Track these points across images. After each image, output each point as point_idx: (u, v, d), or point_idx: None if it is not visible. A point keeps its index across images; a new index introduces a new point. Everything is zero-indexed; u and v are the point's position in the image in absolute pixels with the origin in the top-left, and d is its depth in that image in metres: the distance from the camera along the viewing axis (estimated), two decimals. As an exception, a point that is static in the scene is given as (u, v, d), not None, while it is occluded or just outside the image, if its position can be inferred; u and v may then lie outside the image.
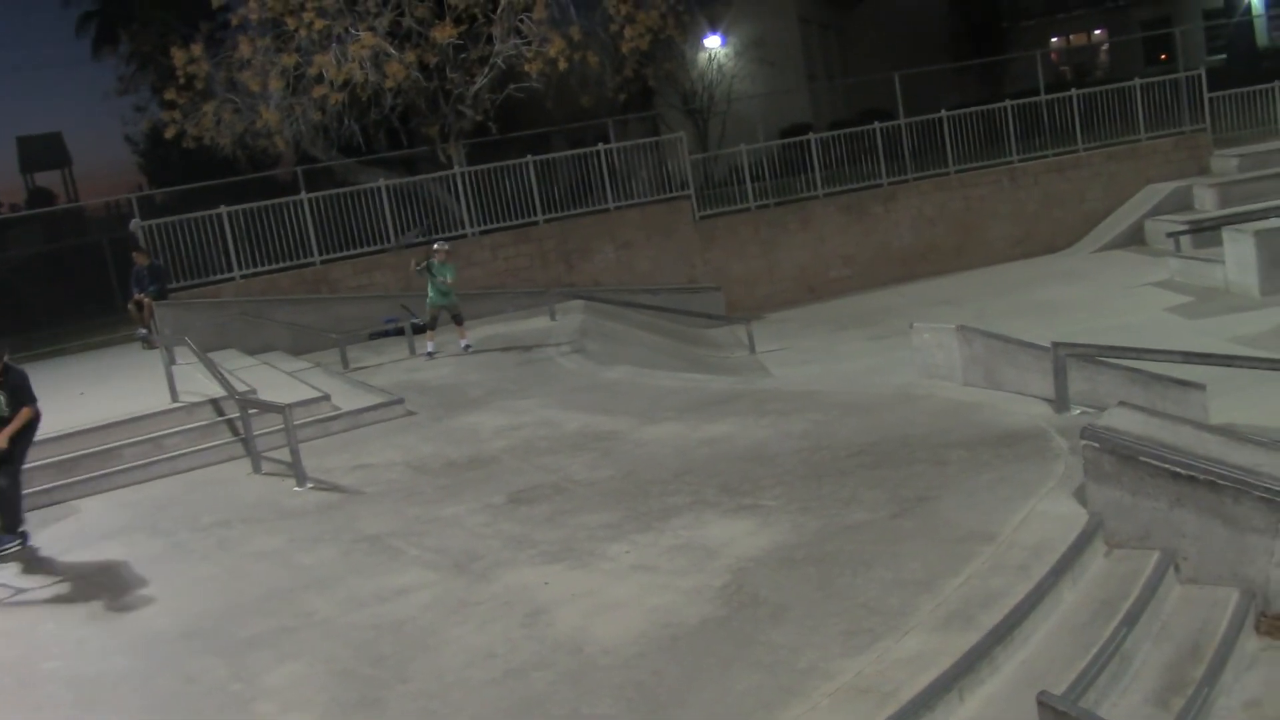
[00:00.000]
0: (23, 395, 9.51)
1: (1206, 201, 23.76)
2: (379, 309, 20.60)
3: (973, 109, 26.39)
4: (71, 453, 11.73)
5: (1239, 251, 18.01)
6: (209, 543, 9.32)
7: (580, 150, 24.16)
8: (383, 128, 25.37)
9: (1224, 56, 36.48)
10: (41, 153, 42.58)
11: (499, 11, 22.94)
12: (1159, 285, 19.80)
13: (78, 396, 14.10)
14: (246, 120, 23.34)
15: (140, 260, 18.77)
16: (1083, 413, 9.16)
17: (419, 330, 18.17)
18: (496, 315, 20.55)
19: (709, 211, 24.80)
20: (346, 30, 22.29)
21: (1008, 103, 26.41)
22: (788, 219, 25.09)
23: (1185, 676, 5.55)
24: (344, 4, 22.28)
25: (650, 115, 31.11)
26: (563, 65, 23.03)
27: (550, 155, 23.86)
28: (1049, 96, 26.89)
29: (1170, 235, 21.78)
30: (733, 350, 19.55)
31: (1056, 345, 9.48)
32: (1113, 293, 19.76)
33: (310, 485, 10.63)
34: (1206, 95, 26.50)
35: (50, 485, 11.35)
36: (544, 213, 23.00)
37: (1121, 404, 7.66)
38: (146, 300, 18.36)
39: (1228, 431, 7.21)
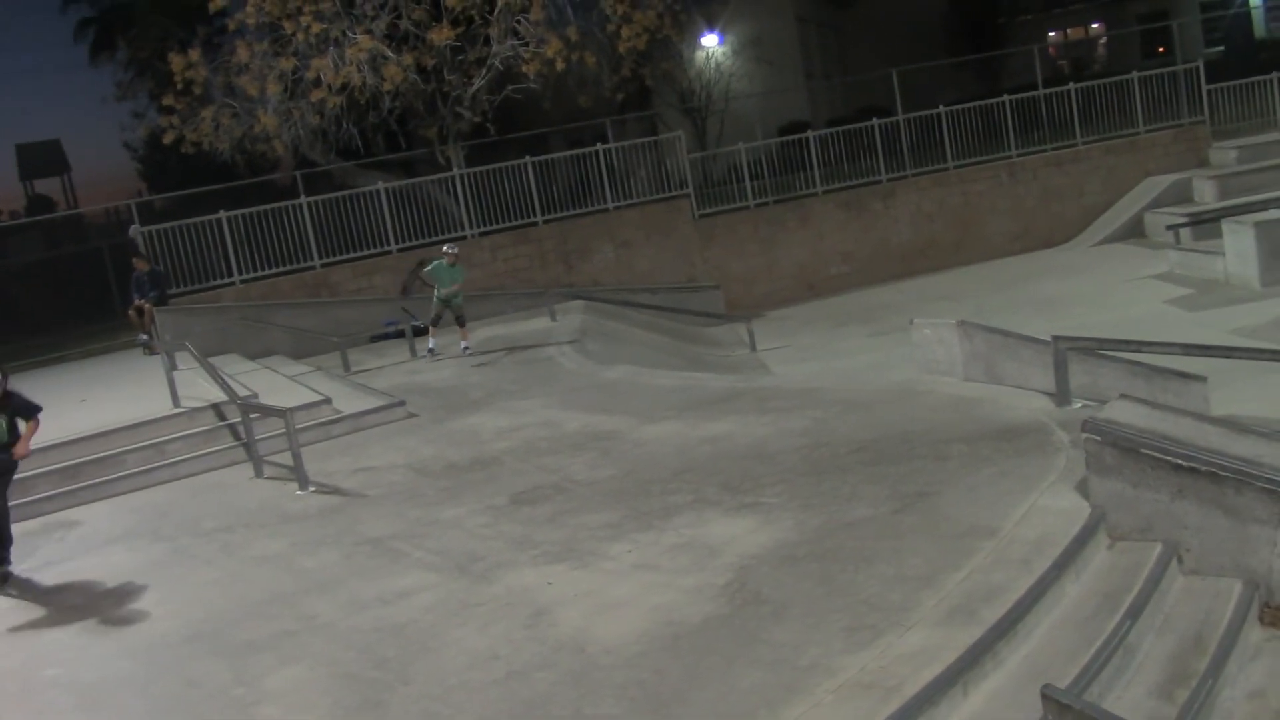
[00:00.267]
0: (26, 413, 9.28)
1: (1206, 194, 23.74)
2: (379, 312, 20.60)
3: (971, 104, 26.37)
4: (73, 459, 11.73)
5: (1239, 243, 17.99)
6: (211, 547, 9.32)
7: (579, 150, 24.15)
8: (381, 130, 25.35)
9: (1221, 48, 36.40)
10: (40, 160, 42.57)
11: (496, 13, 22.93)
12: (1159, 278, 19.79)
13: (79, 403, 14.10)
14: (245, 125, 23.34)
15: (140, 266, 18.76)
16: (1084, 406, 9.15)
17: (420, 332, 18.17)
18: (496, 316, 20.55)
19: (708, 210, 24.79)
20: (344, 33, 22.29)
21: (1006, 98, 26.37)
22: (787, 217, 25.08)
23: (1189, 668, 5.54)
24: (341, 7, 22.28)
25: (648, 115, 31.09)
26: (560, 66, 23.02)
27: (549, 156, 23.85)
28: (1047, 91, 26.86)
29: (1170, 228, 21.78)
30: (733, 348, 19.54)
31: (1057, 339, 9.48)
32: (1113, 286, 19.74)
33: (312, 489, 10.63)
34: (1205, 87, 26.46)
35: (52, 492, 11.35)
36: (543, 213, 22.99)
37: (1122, 397, 7.65)
38: (147, 306, 18.35)
39: (1229, 423, 7.20)
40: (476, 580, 7.53)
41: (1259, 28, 39.88)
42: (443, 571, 7.81)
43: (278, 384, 14.76)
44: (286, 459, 10.99)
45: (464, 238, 21.99)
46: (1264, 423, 8.66)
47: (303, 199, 21.59)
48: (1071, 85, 26.86)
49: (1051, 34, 45.72)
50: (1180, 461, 6.33)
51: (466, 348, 17.22)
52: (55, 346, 21.22)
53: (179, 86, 22.89)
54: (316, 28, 22.05)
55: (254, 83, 22.68)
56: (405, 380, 15.79)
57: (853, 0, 43.33)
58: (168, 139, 23.83)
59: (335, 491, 10.53)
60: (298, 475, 10.72)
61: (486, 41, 23.22)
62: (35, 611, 8.37)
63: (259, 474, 11.53)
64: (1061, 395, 9.43)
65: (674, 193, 24.43)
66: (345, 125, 23.30)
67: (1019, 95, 26.65)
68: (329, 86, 22.24)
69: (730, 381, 13.81)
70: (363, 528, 9.20)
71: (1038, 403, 9.61)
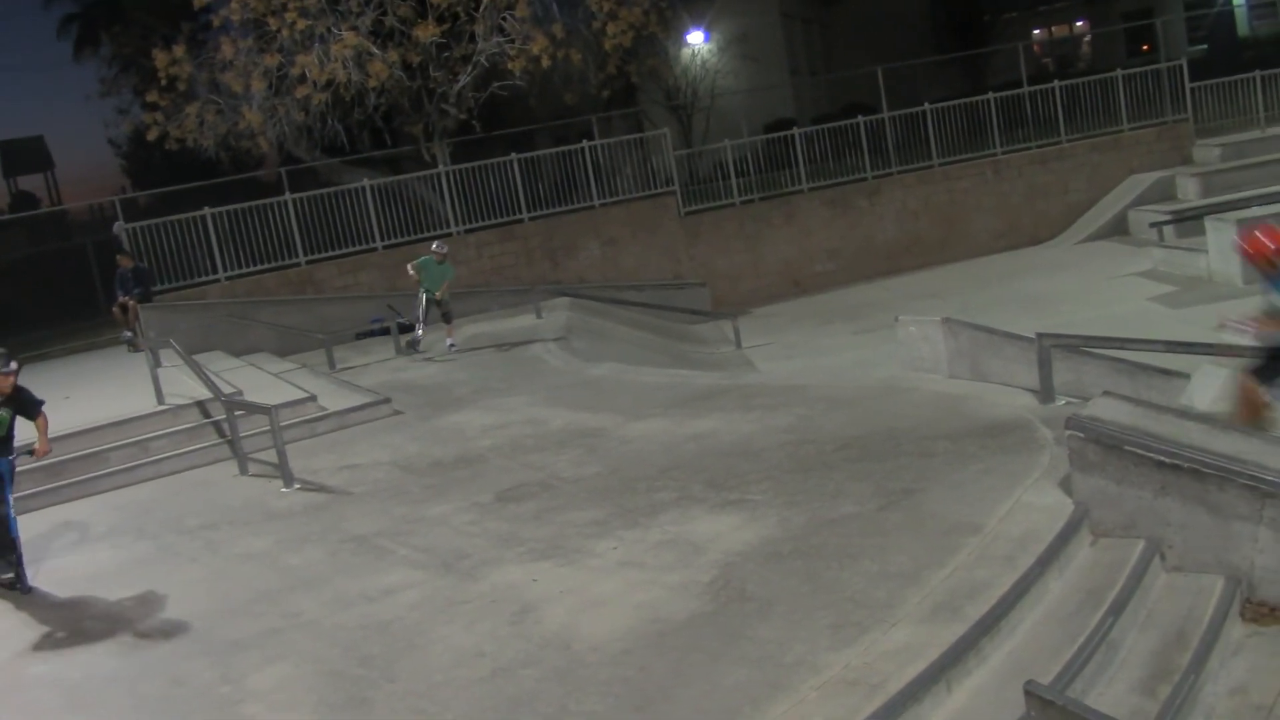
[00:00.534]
0: (31, 410, 8.96)
1: (1189, 191, 23.85)
2: (365, 309, 20.54)
3: (956, 102, 26.43)
4: (58, 457, 11.65)
5: (1222, 241, 18.08)
6: (196, 545, 9.30)
7: (564, 148, 24.12)
8: (366, 127, 25.30)
9: (1205, 47, 36.55)
10: (24, 156, 42.34)
11: (481, 10, 22.89)
12: (1143, 275, 19.87)
13: (63, 400, 14.02)
14: (229, 121, 23.25)
15: (124, 263, 18.69)
16: (1068, 403, 9.18)
17: (405, 330, 18.14)
18: (482, 313, 20.51)
19: (694, 207, 24.79)
20: (329, 30, 22.22)
21: (991, 95, 26.43)
22: (772, 214, 25.10)
23: (1171, 664, 5.57)
24: (326, 4, 22.20)
25: (634, 112, 31.07)
26: (546, 63, 22.99)
27: (534, 153, 23.83)
28: (1032, 88, 26.93)
29: (1153, 225, 21.89)
30: (718, 345, 19.57)
31: (1041, 336, 9.51)
32: (1097, 283, 19.82)
33: (297, 486, 10.60)
34: (1188, 85, 26.56)
35: (37, 489, 11.28)
36: (529, 210, 22.97)
37: (1106, 394, 7.68)
38: (131, 303, 18.29)
39: (1211, 420, 7.25)
40: (462, 577, 7.53)
41: (1242, 26, 40.07)
42: (428, 569, 7.81)
43: (262, 381, 14.73)
44: (271, 456, 10.97)
45: (449, 234, 21.94)
46: (1246, 420, 8.71)
47: (288, 196, 21.52)
48: (1056, 83, 26.94)
49: (1036, 32, 45.82)
50: (1163, 458, 6.37)
51: (452, 344, 17.20)
52: (39, 343, 21.12)
53: (163, 83, 22.79)
54: (301, 24, 21.97)
55: (239, 79, 22.60)
56: (391, 378, 15.76)
57: (838, -3, 43.38)
58: (152, 135, 23.72)
59: (320, 489, 10.51)
60: (282, 472, 10.70)
61: (472, 38, 23.18)
62: (21, 609, 8.33)
63: (243, 471, 11.50)
64: (1045, 392, 9.47)
65: (660, 190, 24.42)
66: (330, 122, 23.24)
67: (1004, 93, 26.72)
68: (314, 83, 22.16)
69: (716, 378, 13.83)
70: (348, 525, 9.19)
71: (1022, 400, 9.65)
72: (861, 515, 7.49)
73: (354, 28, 22.08)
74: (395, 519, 9.17)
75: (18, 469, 8.98)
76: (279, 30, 22.13)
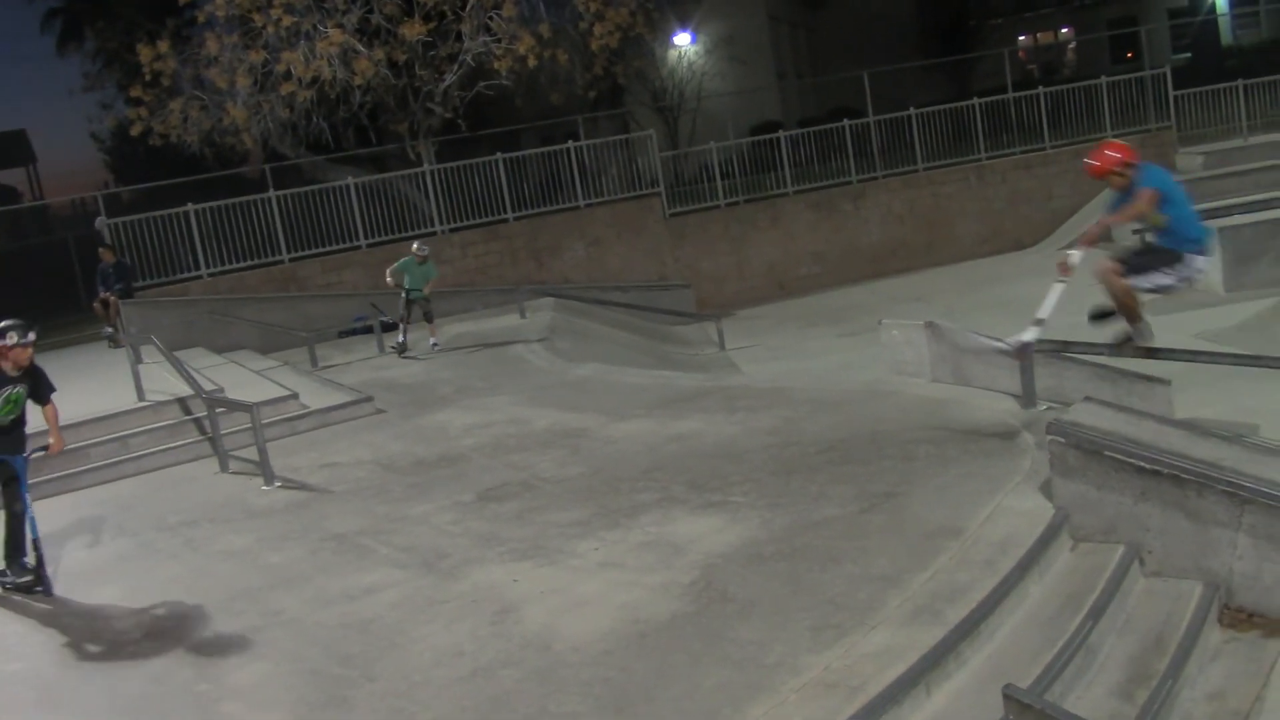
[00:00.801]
0: (44, 393, 8.53)
1: (1172, 199, 23.89)
2: (348, 307, 20.51)
3: (941, 107, 26.55)
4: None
5: (1204, 248, 18.13)
6: (176, 542, 9.25)
7: (550, 148, 24.14)
8: (351, 125, 25.26)
9: (1189, 55, 36.74)
10: (5, 150, 42.06)
11: (468, 9, 22.87)
12: (1125, 281, 19.90)
13: (42, 396, 13.95)
14: (214, 117, 23.18)
15: (106, 258, 18.59)
16: (1049, 408, 9.22)
17: (389, 328, 18.10)
18: (466, 313, 20.48)
19: (679, 209, 24.82)
20: (315, 27, 22.17)
21: (976, 101, 26.57)
22: (757, 216, 25.16)
23: (1150, 669, 5.60)
24: (312, 1, 22.15)
25: (620, 113, 31.09)
26: (532, 62, 22.99)
27: (520, 153, 23.85)
28: (1016, 94, 27.05)
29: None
30: (702, 347, 19.58)
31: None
32: (1079, 289, 19.79)
33: (278, 484, 10.57)
34: (1172, 93, 26.71)
35: (15, 485, 11.22)
36: (514, 210, 22.96)
37: (1087, 399, 7.72)
38: (113, 298, 18.19)
39: (1191, 426, 7.28)
40: (443, 577, 7.51)
41: (1226, 35, 40.27)
42: (409, 568, 7.79)
43: (244, 378, 14.68)
44: (252, 454, 10.92)
45: (434, 234, 21.93)
46: (1226, 426, 8.78)
47: (271, 193, 21.46)
48: (1041, 89, 27.07)
49: (1022, 38, 46.05)
50: (1143, 464, 6.39)
51: (435, 344, 17.16)
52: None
53: (147, 78, 22.72)
54: (287, 20, 21.93)
55: (223, 75, 22.54)
56: (373, 376, 15.73)
57: (825, 1, 43.49)
58: (135, 131, 23.64)
59: (301, 487, 10.47)
60: (263, 470, 10.66)
61: (458, 37, 23.16)
62: (-3, 606, 8.29)
63: (224, 469, 11.45)
64: (1027, 397, 9.50)
65: (645, 191, 24.45)
66: (315, 119, 23.19)
67: (989, 98, 26.84)
68: (299, 80, 22.12)
69: (699, 380, 13.83)
70: (329, 523, 9.16)
71: (1004, 404, 9.68)
72: (843, 518, 7.50)
73: (340, 25, 22.05)
74: (377, 518, 9.15)
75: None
76: (264, 27, 22.08)
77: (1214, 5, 38.14)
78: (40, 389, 8.40)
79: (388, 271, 17.00)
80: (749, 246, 24.95)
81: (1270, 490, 5.98)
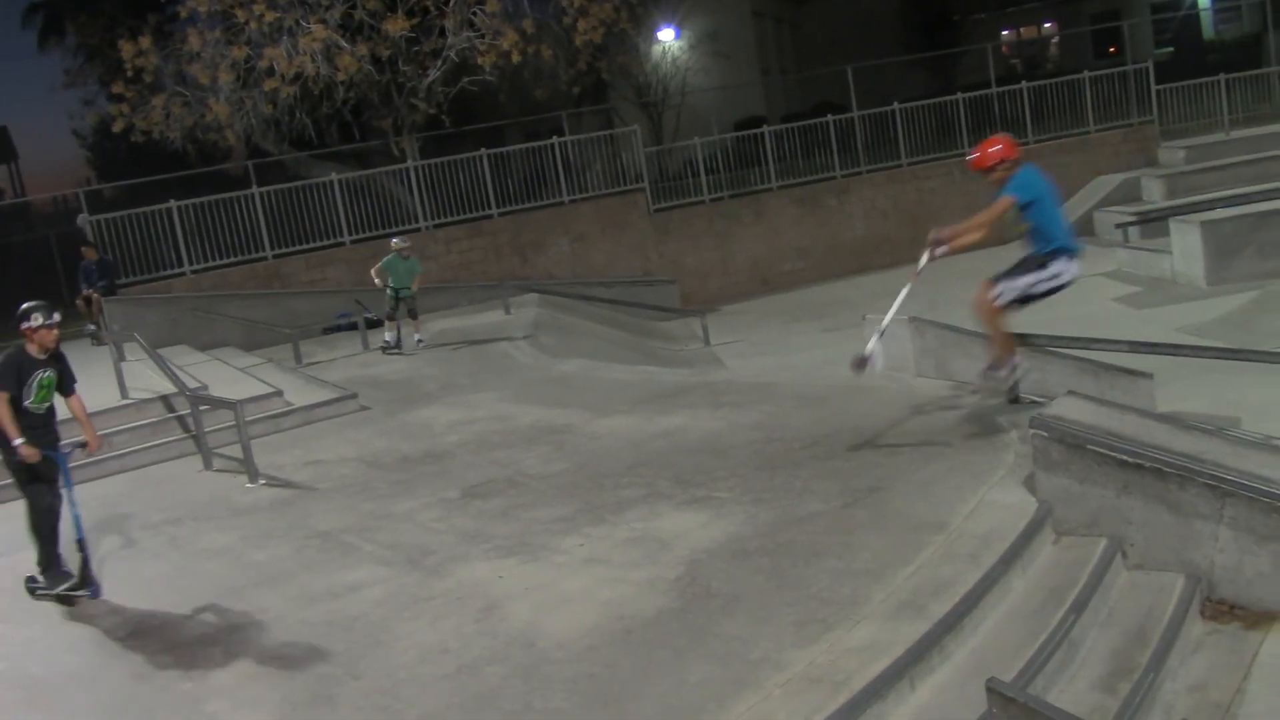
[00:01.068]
0: (69, 382, 8.17)
1: (1154, 193, 24.05)
2: (332, 304, 20.45)
3: (925, 101, 26.59)
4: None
5: (1185, 242, 18.26)
6: (160, 540, 9.23)
7: (534, 143, 24.12)
8: (335, 121, 25.20)
9: (1171, 49, 36.89)
10: (-13, 147, 41.87)
11: (451, 4, 22.83)
12: (1107, 276, 20.00)
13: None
14: (196, 114, 23.10)
15: (89, 255, 18.52)
16: (1032, 402, 9.24)
17: (373, 325, 18.06)
18: (450, 309, 20.46)
19: (663, 204, 24.82)
20: (297, 23, 22.10)
21: (959, 95, 26.61)
22: (742, 212, 25.17)
23: (1132, 662, 5.62)
24: (295, -4, 22.11)
25: (604, 108, 31.08)
26: (516, 58, 22.98)
27: (504, 149, 23.82)
28: (1000, 89, 27.12)
29: (1119, 226, 22.06)
30: (687, 343, 19.60)
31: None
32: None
33: (262, 481, 10.54)
34: (1154, 88, 26.82)
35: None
36: (498, 206, 22.94)
37: (1070, 393, 7.75)
38: (95, 296, 18.12)
39: (1173, 419, 7.31)
40: (428, 574, 7.50)
41: (1208, 29, 40.44)
42: (394, 565, 7.78)
43: (228, 376, 14.64)
44: (236, 451, 10.90)
45: (418, 230, 21.90)
46: (1207, 420, 8.81)
47: (255, 189, 21.40)
48: (1024, 84, 27.14)
49: (1005, 32, 46.13)
50: (1126, 458, 6.42)
51: (420, 340, 17.13)
52: (0, 336, 20.90)
53: (129, 74, 22.62)
54: (270, 16, 21.86)
55: (206, 71, 22.46)
56: (358, 373, 15.69)
57: (809, -4, 43.56)
58: (117, 127, 23.56)
59: (286, 484, 10.45)
60: (248, 468, 10.63)
61: (442, 33, 23.12)
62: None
63: (208, 466, 11.43)
64: (1010, 391, 9.52)
65: (630, 186, 24.45)
66: (298, 115, 23.13)
67: (972, 93, 26.89)
68: (282, 76, 22.05)
69: (684, 376, 13.84)
70: (313, 521, 9.14)
71: (988, 399, 9.70)
72: (827, 513, 7.51)
73: (323, 21, 21.99)
74: (361, 515, 9.13)
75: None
76: (247, 22, 22.01)
77: (1196, 0, 38.31)
78: (65, 378, 8.10)
79: (373, 272, 16.92)
80: (733, 242, 24.97)
81: (1252, 483, 6.02)
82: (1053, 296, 8.34)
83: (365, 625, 6.77)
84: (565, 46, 24.90)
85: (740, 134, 27.06)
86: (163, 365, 13.05)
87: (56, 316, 7.87)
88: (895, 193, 25.91)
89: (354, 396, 13.49)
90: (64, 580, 7.89)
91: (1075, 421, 6.84)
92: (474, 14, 22.93)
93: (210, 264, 21.02)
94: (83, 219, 20.26)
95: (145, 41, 22.59)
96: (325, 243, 21.77)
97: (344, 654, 6.40)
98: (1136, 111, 26.85)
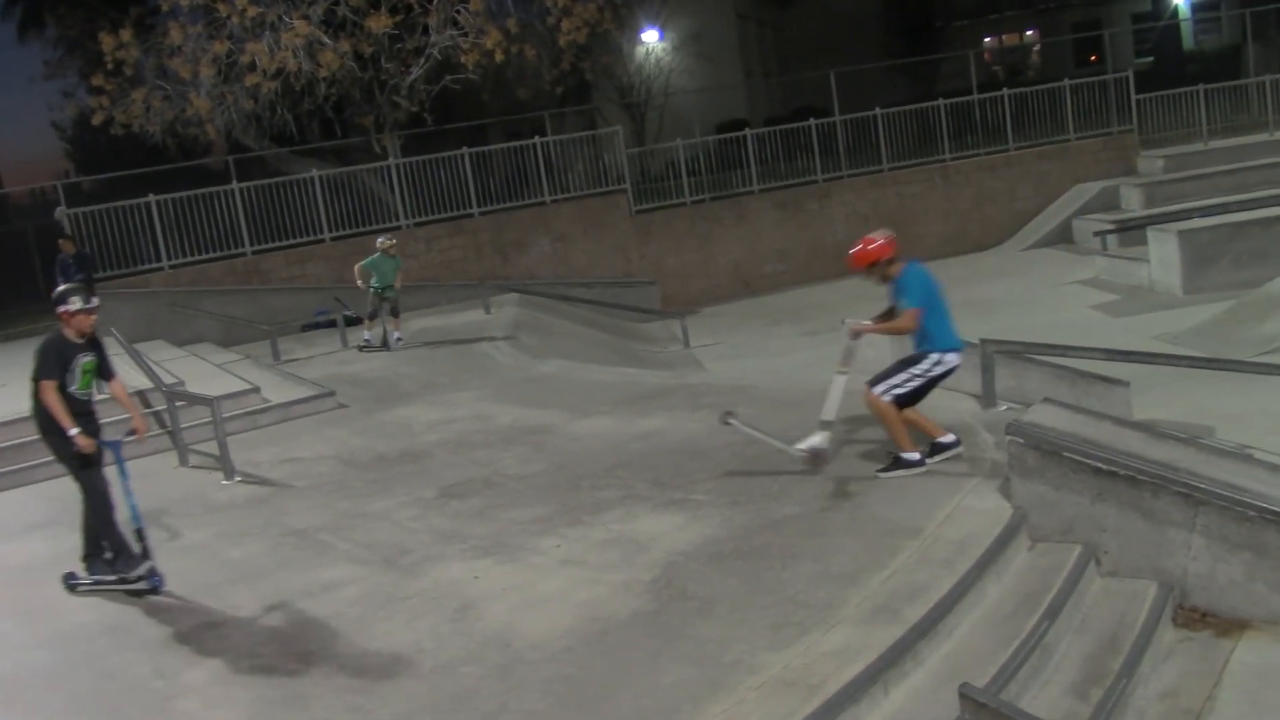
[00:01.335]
0: (108, 368, 8.00)
1: (1133, 201, 24.21)
2: (311, 300, 20.39)
3: (907, 107, 26.68)
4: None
5: (1163, 251, 18.37)
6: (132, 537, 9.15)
7: (516, 143, 24.09)
8: (316, 117, 25.12)
9: (1151, 59, 37.13)
10: (-36, 138, 41.58)
11: (435, 2, 22.78)
12: (1086, 283, 20.13)
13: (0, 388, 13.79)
14: (177, 108, 22.99)
15: (67, 248, 18.41)
16: (1009, 409, 9.29)
17: (352, 322, 18.00)
18: (430, 308, 20.42)
19: (645, 206, 24.82)
20: (280, 18, 22.01)
21: (941, 101, 26.72)
22: (723, 214, 25.20)
23: (1104, 668, 5.65)
24: (277, -9, 22.01)
25: (587, 109, 31.06)
26: (499, 57, 22.95)
27: (486, 148, 23.78)
28: (981, 96, 27.23)
29: (1097, 234, 22.19)
30: (667, 344, 19.61)
31: (984, 342, 9.60)
32: (1041, 290, 20.06)
33: (238, 478, 10.50)
34: (1134, 97, 26.98)
35: (-30, 478, 11.11)
36: (479, 205, 22.90)
37: (1046, 400, 7.78)
38: (72, 290, 17.98)
39: (1148, 428, 7.35)
40: (403, 574, 7.49)
41: (1188, 40, 40.72)
42: (369, 564, 7.76)
43: (205, 372, 14.57)
44: (212, 448, 10.85)
45: (399, 228, 21.84)
46: (1182, 428, 8.88)
47: (234, 185, 21.32)
48: (1005, 91, 27.25)
49: (987, 40, 46.38)
50: (1100, 465, 6.45)
51: (399, 338, 17.08)
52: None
53: (109, 67, 22.49)
54: (252, 11, 21.76)
55: (187, 65, 22.35)
56: (336, 370, 15.64)
57: (793, 0, 43.62)
58: (97, 120, 23.40)
59: (262, 482, 10.41)
60: (224, 465, 10.59)
61: (425, 31, 23.08)
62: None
63: (184, 463, 11.38)
64: (988, 398, 9.57)
65: (612, 187, 24.44)
66: (280, 111, 23.04)
67: (954, 99, 27.01)
68: (264, 71, 21.95)
69: (664, 377, 13.85)
70: (289, 519, 9.11)
71: (964, 404, 9.74)
72: (804, 516, 7.53)
73: (305, 16, 21.90)
74: (337, 513, 9.10)
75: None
76: (229, 17, 21.91)
77: (1176, 10, 38.56)
78: (104, 364, 7.93)
79: (355, 270, 16.82)
80: (714, 244, 24.99)
81: (1224, 492, 6.06)
82: (948, 379, 8.32)
83: (340, 624, 6.75)
84: (549, 46, 24.88)
85: (722, 136, 27.09)
86: (139, 360, 12.97)
87: (95, 301, 7.74)
88: (876, 197, 25.99)
89: (332, 394, 13.45)
90: (137, 564, 7.61)
91: (1051, 429, 6.87)
92: (457, 12, 22.89)
93: (189, 259, 20.92)
94: (60, 212, 20.15)
95: (126, 34, 22.46)
96: (305, 239, 21.68)
97: (318, 653, 6.38)
98: (1116, 120, 27.02)
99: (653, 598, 6.51)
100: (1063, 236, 24.93)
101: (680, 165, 25.24)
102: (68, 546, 9.02)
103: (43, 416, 7.62)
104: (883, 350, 11.22)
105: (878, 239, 8.32)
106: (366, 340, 17.01)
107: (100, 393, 8.19)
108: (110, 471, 7.78)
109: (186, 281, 20.64)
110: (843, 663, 5.40)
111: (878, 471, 8.13)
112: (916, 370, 8.13)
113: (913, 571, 6.37)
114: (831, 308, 19.63)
